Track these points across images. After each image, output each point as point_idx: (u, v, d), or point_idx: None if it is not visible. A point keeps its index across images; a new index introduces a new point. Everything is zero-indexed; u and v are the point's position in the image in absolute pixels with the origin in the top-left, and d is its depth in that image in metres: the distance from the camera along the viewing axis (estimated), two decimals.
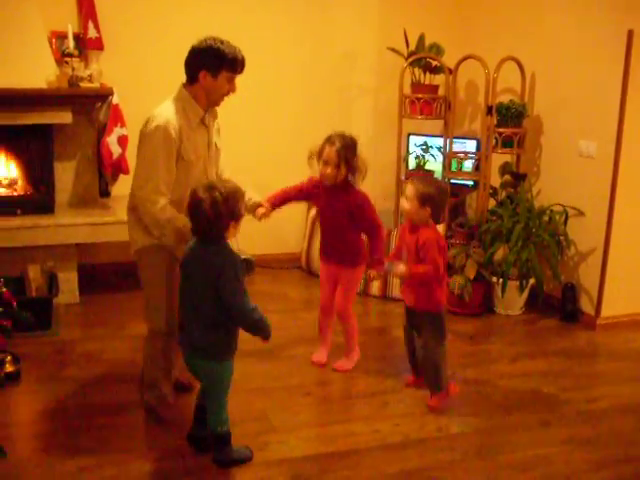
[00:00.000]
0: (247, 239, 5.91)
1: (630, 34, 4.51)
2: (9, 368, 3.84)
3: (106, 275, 5.56)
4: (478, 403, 3.84)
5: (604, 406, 3.86)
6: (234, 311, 2.94)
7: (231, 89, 3.51)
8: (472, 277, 4.94)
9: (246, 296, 2.95)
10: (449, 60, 5.42)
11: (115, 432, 3.43)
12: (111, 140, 5.03)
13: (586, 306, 5.01)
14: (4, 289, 3.64)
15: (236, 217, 2.97)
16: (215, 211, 2.87)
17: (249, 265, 3.12)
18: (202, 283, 2.96)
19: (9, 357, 3.86)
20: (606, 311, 4.92)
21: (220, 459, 3.16)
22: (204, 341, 3.01)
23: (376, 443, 3.39)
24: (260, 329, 3.01)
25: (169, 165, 3.29)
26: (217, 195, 2.88)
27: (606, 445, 3.46)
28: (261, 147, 5.88)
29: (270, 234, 5.89)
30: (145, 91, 5.44)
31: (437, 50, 5.45)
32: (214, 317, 2.98)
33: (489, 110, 5.17)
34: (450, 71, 5.41)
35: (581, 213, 5.00)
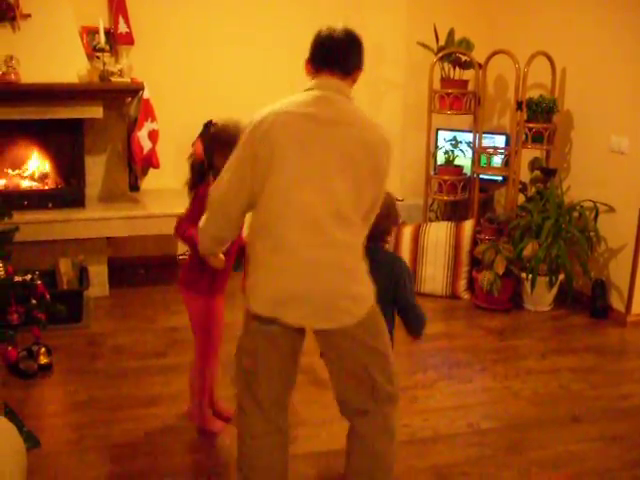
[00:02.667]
0: None
1: None
2: (43, 360, 3.89)
3: (136, 268, 5.60)
4: (507, 399, 3.83)
5: (636, 403, 3.84)
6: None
7: None
8: (501, 273, 4.92)
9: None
10: (479, 55, 5.39)
11: (143, 424, 3.46)
12: (142, 134, 5.07)
13: (616, 303, 4.97)
14: (38, 282, 3.67)
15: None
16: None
17: None
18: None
19: (43, 349, 3.90)
20: (637, 308, 4.87)
21: None
22: None
23: (406, 438, 3.39)
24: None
25: None
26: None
27: (636, 443, 3.44)
28: None
29: None
30: (175, 86, 5.51)
31: (467, 45, 5.43)
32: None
33: (519, 105, 5.14)
34: (480, 66, 5.38)
35: (612, 209, 4.96)
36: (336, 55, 2.52)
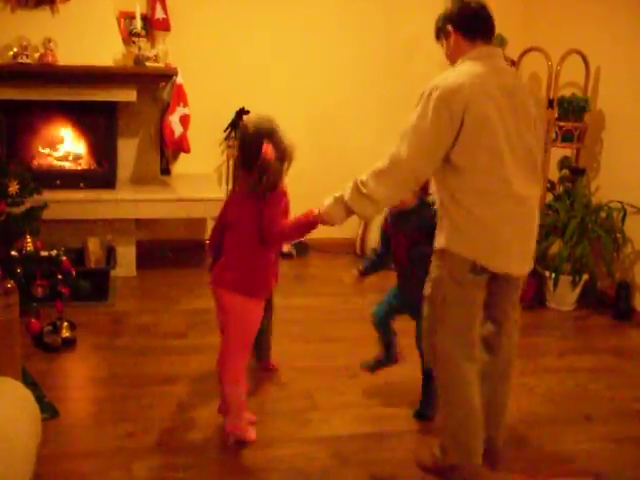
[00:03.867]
0: None
1: None
2: (65, 333, 3.98)
3: (163, 251, 5.68)
4: (522, 395, 3.82)
5: None
6: None
7: None
8: None
9: None
10: (512, 52, 5.38)
11: (163, 401, 3.54)
12: (173, 119, 5.15)
13: None
14: (64, 257, 3.76)
15: None
16: None
17: None
18: None
19: (66, 323, 4.00)
20: None
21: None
22: None
23: (418, 427, 3.43)
24: None
25: None
26: None
27: None
28: (315, 133, 5.89)
29: None
30: (208, 72, 5.58)
31: (501, 41, 5.41)
32: None
33: (550, 103, 5.12)
34: (513, 63, 5.37)
35: None
36: (490, 24, 2.86)
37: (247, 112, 5.55)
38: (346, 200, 2.73)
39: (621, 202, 4.99)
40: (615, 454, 3.32)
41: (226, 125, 5.63)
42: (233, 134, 5.62)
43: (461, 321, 2.78)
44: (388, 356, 3.63)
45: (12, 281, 2.78)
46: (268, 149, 2.91)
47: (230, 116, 5.57)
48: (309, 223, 2.92)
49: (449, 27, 2.86)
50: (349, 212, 2.76)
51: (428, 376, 3.31)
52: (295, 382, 3.80)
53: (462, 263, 2.71)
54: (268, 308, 3.51)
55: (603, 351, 4.47)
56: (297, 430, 3.32)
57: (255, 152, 2.91)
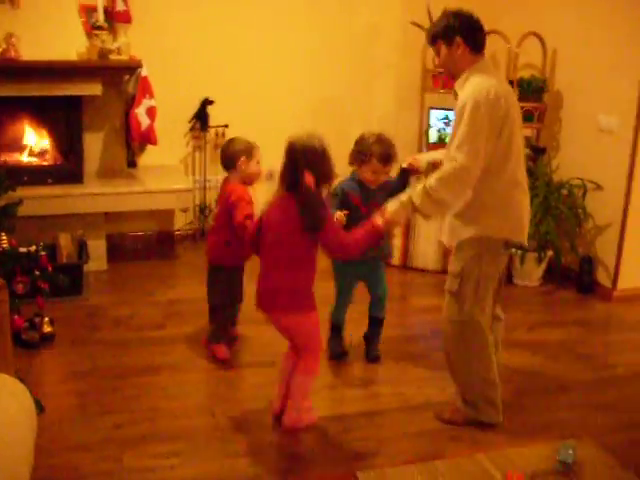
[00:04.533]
0: None
1: None
2: (47, 329, 3.99)
3: (133, 243, 5.70)
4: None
5: (619, 373, 3.98)
6: None
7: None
8: None
9: None
10: None
11: (147, 392, 3.59)
12: (140, 111, 5.13)
13: (603, 278, 5.11)
14: (42, 253, 3.77)
15: None
16: None
17: None
18: None
19: (46, 319, 4.00)
20: (622, 283, 5.01)
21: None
22: None
23: (399, 404, 3.53)
24: None
25: None
26: None
27: (620, 410, 3.58)
28: (279, 122, 5.93)
29: None
30: (173, 63, 5.57)
31: None
32: None
33: (510, 85, 5.22)
34: None
35: (599, 187, 5.08)
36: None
37: (211, 102, 5.58)
38: (417, 205, 3.07)
39: (581, 179, 5.13)
40: (589, 420, 3.47)
41: (191, 116, 5.64)
42: (198, 125, 5.64)
43: (488, 292, 3.25)
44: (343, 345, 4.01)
45: (1, 278, 2.79)
46: (309, 178, 3.03)
47: (195, 106, 5.59)
48: (376, 232, 3.09)
49: (458, 39, 3.15)
50: (414, 214, 3.15)
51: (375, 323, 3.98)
52: (276, 367, 3.83)
53: (496, 243, 3.20)
54: None
55: (570, 323, 4.62)
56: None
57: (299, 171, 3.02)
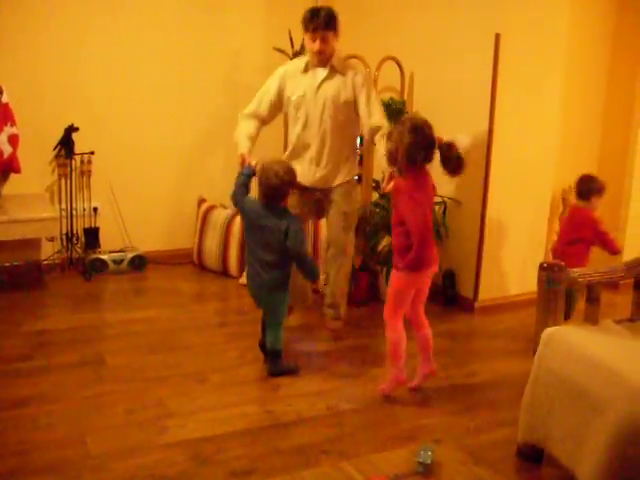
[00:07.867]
0: (138, 236, 6.03)
1: (497, 37, 4.88)
2: None
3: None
4: (365, 383, 4.09)
5: (479, 380, 4.20)
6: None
7: (313, 47, 4.30)
8: (357, 267, 5.20)
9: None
10: None
11: (12, 425, 3.48)
12: (1, 139, 5.03)
13: (465, 290, 5.36)
14: None
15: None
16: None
17: None
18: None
19: None
20: (482, 295, 5.28)
21: (274, 370, 4.09)
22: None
23: (270, 422, 3.59)
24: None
25: None
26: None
27: (482, 413, 3.77)
28: (146, 149, 5.96)
29: (161, 230, 6.04)
30: (35, 90, 5.49)
31: None
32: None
33: None
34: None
35: (458, 203, 5.33)
36: None
37: (76, 129, 5.52)
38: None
39: (441, 196, 5.37)
40: (452, 425, 3.63)
41: (55, 143, 5.56)
42: (63, 152, 5.57)
43: None
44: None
45: None
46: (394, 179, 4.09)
47: (60, 133, 5.51)
48: None
49: None
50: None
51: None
52: (147, 392, 3.85)
53: None
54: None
55: (436, 335, 4.75)
56: (155, 438, 3.38)
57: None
